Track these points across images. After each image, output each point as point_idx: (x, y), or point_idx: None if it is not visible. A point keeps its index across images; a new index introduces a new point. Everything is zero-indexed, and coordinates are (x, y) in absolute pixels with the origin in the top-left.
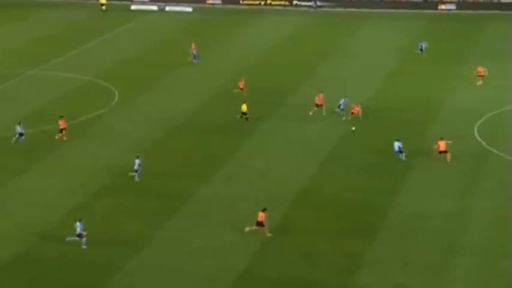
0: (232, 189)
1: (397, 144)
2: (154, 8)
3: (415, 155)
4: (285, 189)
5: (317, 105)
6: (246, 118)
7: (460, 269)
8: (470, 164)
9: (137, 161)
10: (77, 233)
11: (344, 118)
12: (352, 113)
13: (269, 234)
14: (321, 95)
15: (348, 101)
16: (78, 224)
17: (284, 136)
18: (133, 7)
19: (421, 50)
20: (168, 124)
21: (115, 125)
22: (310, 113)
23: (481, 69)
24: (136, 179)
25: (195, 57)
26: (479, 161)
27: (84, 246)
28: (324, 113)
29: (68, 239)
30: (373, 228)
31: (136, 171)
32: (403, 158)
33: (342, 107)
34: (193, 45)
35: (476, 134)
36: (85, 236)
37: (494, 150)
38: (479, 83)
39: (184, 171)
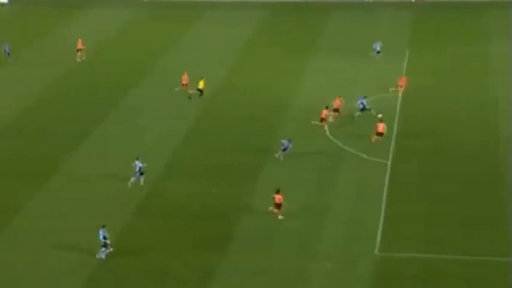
0: (64, 200)
1: (286, 143)
2: None
3: (265, 155)
4: (125, 198)
5: (335, 110)
6: (201, 94)
7: (317, 275)
8: (325, 163)
9: (138, 163)
10: (102, 242)
11: (313, 122)
12: (322, 119)
13: (281, 217)
14: (340, 99)
15: (366, 101)
16: (101, 232)
17: (121, 139)
18: None
19: (378, 52)
20: None
21: None
22: (331, 119)
23: (403, 80)
24: (142, 183)
25: (6, 55)
26: (333, 160)
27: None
28: (331, 119)
29: (98, 256)
30: (224, 236)
31: (141, 173)
32: (281, 157)
33: (367, 107)
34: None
35: (327, 131)
36: (110, 245)
37: (348, 149)
38: (392, 89)
39: (9, 181)
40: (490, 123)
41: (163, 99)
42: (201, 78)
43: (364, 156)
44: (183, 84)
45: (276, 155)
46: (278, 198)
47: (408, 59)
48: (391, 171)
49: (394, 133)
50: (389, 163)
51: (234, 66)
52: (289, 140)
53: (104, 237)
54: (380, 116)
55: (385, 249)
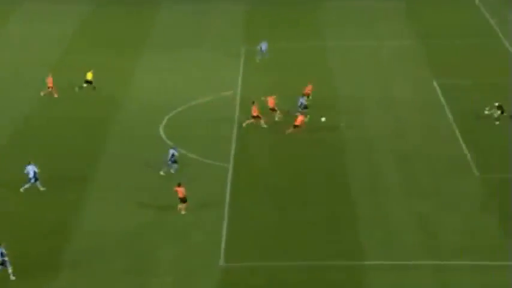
0: None
1: (171, 152)
2: None
3: (95, 160)
4: None
5: (272, 110)
6: (93, 87)
7: None
8: (160, 167)
9: (31, 168)
10: (0, 261)
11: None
12: (253, 116)
13: (183, 212)
14: (272, 98)
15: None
16: None
17: None
18: None
19: (264, 53)
20: None
21: None
22: (277, 118)
23: (309, 88)
24: (42, 188)
25: None
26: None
27: (13, 277)
28: (277, 118)
29: None
30: (55, 253)
31: (31, 180)
32: (172, 171)
33: (303, 106)
34: None
35: (163, 135)
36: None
37: (185, 152)
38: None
39: None
40: (331, 123)
41: None
42: (90, 70)
43: (203, 159)
44: (48, 87)
45: (161, 172)
46: (180, 191)
47: (245, 56)
48: (232, 175)
49: (234, 135)
50: (230, 166)
51: (57, 65)
52: (174, 147)
53: (2, 254)
54: (323, 119)
55: (230, 259)
